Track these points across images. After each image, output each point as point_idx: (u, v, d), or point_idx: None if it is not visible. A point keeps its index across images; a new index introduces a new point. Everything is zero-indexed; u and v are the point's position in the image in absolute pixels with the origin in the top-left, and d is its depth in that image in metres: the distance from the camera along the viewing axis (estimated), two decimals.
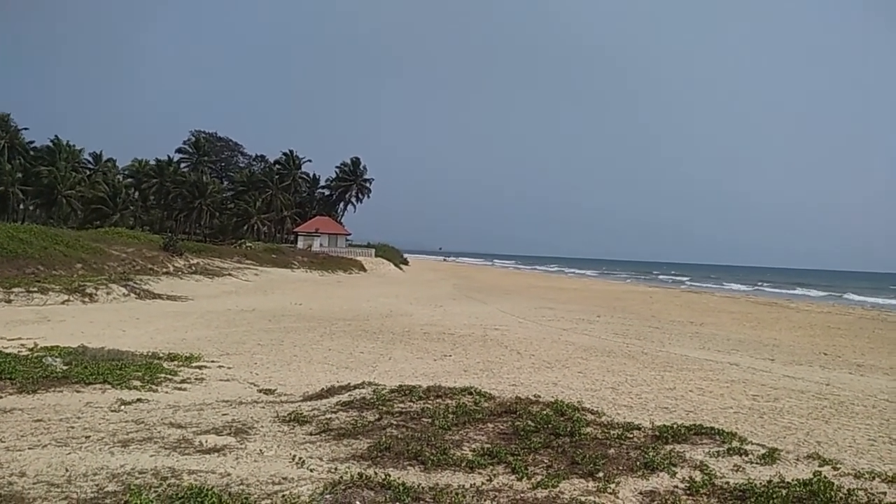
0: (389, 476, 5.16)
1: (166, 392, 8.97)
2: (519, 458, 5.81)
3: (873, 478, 5.34)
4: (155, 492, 4.61)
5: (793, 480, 5.20)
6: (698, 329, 22.98)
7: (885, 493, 4.92)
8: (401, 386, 8.69)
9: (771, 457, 5.96)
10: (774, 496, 4.76)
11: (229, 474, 5.17)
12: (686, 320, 26.54)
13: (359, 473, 5.19)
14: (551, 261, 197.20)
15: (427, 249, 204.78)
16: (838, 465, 5.76)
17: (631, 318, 26.49)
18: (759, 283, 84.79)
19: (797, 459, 5.96)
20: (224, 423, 6.95)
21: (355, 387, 8.85)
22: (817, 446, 7.33)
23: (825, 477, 5.28)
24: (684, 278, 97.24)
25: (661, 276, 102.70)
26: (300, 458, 5.68)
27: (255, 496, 4.69)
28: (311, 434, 6.60)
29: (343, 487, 4.92)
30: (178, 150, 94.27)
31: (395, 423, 6.94)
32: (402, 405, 7.69)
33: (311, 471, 5.39)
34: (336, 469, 5.42)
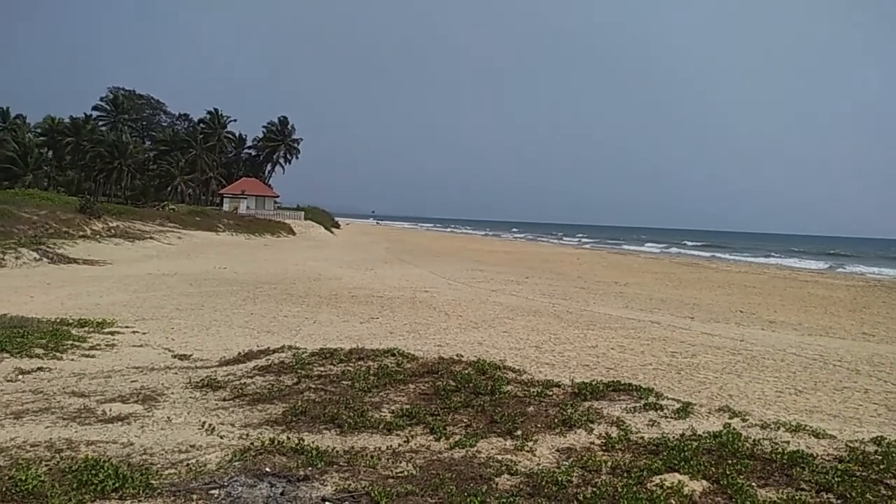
0: (303, 441, 5.01)
1: (72, 360, 8.51)
2: (438, 418, 5.74)
3: (778, 428, 5.52)
4: (46, 465, 4.32)
5: (704, 433, 5.31)
6: (622, 289, 23.52)
7: (787, 442, 5.08)
8: (322, 349, 8.51)
9: (685, 411, 6.08)
10: (686, 448, 4.83)
11: (132, 444, 4.91)
12: (611, 280, 27.14)
13: (271, 439, 5.02)
14: (488, 224, 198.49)
15: (360, 213, 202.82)
16: (747, 417, 5.93)
17: (558, 279, 26.91)
18: (683, 243, 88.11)
19: (709, 413, 6.10)
20: (132, 390, 6.62)
21: (274, 351, 8.61)
22: (729, 399, 7.56)
23: (734, 428, 5.42)
24: (612, 240, 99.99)
25: (588, 238, 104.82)
26: (210, 425, 5.45)
27: (159, 466, 4.46)
28: (224, 400, 6.36)
29: (254, 454, 4.74)
30: (95, 108, 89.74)
31: (313, 386, 6.77)
32: (321, 368, 7.51)
33: (222, 437, 5.18)
34: (248, 435, 5.23)
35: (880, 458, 4.78)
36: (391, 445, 5.09)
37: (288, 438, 5.06)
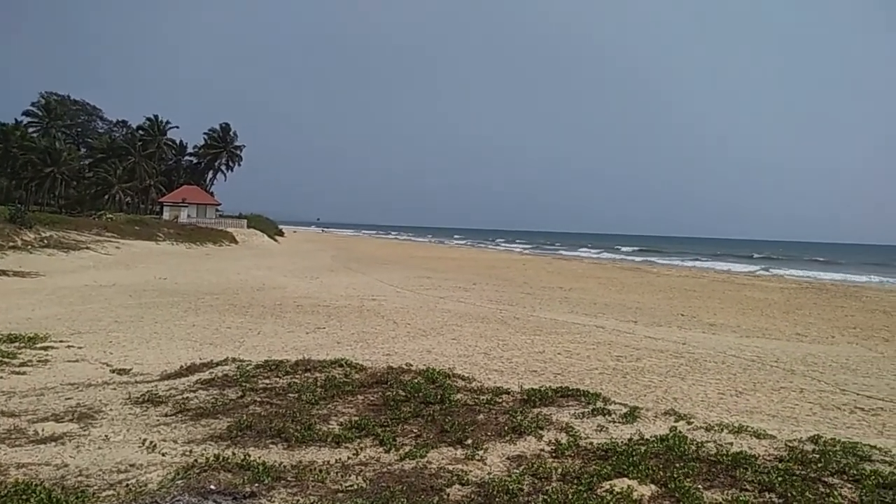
0: (249, 456, 4.88)
1: (0, 377, 8.10)
2: (388, 429, 5.68)
3: (721, 430, 5.65)
4: None
5: (651, 437, 5.40)
6: (567, 294, 23.82)
7: (731, 444, 5.21)
8: (267, 361, 8.34)
9: (632, 415, 6.17)
10: (634, 453, 4.90)
11: (66, 465, 4.70)
12: (556, 286, 27.46)
13: (215, 455, 4.87)
14: (430, 230, 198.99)
15: (304, 220, 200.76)
16: (692, 420, 6.06)
17: (505, 284, 27.08)
18: (616, 247, 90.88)
19: (656, 416, 6.21)
20: (67, 408, 6.35)
21: (218, 363, 8.39)
22: (674, 402, 7.71)
23: (680, 432, 5.53)
24: (552, 245, 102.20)
25: (543, 245, 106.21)
26: (151, 442, 5.26)
27: (95, 488, 4.27)
28: (165, 415, 6.16)
29: (197, 471, 4.59)
30: (26, 114, 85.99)
31: (258, 399, 6.62)
32: (267, 381, 7.36)
33: (163, 455, 5.00)
34: (191, 452, 5.06)
35: (818, 456, 4.94)
36: (340, 459, 5.00)
37: (233, 454, 4.93)
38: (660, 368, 10.19)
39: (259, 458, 4.87)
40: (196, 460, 4.81)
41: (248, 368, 7.89)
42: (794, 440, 5.51)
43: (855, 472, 4.59)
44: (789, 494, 4.19)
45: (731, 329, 15.96)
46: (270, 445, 5.28)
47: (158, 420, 6.00)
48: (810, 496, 4.17)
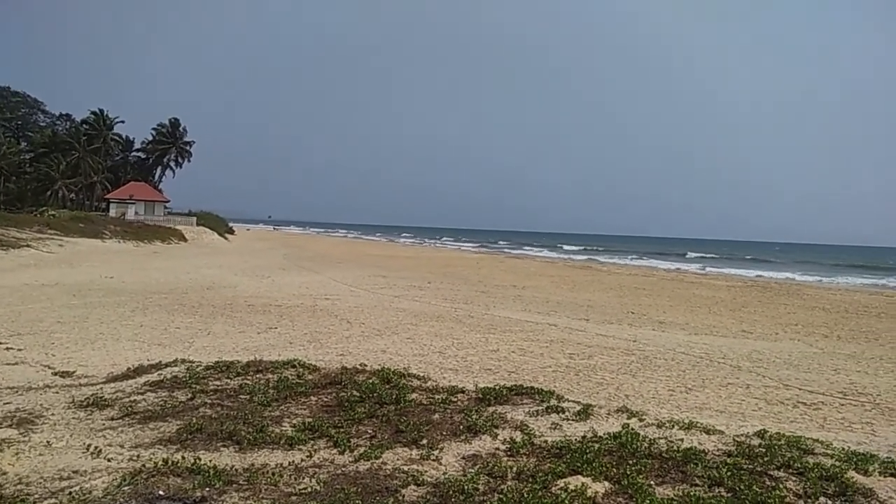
0: (199, 460, 4.76)
1: None
2: (342, 430, 5.62)
3: (672, 426, 5.76)
4: None
5: (604, 434, 5.46)
6: (521, 292, 24.02)
7: (681, 440, 5.31)
8: (218, 362, 8.18)
9: (585, 413, 6.24)
10: (588, 451, 4.95)
11: (5, 473, 4.50)
12: (510, 284, 27.67)
13: (164, 460, 4.74)
14: (381, 229, 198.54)
15: (255, 218, 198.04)
16: (643, 417, 6.15)
17: (459, 283, 27.15)
18: (559, 246, 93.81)
19: (608, 414, 6.29)
20: (5, 413, 6.09)
21: (167, 365, 8.19)
22: (626, 399, 7.83)
23: (632, 428, 5.60)
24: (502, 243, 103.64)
25: (495, 244, 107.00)
26: (96, 448, 5.09)
27: (37, 496, 4.11)
28: (111, 419, 5.97)
29: (145, 476, 4.46)
30: None
31: (209, 401, 6.47)
32: (218, 382, 7.20)
33: (109, 461, 4.85)
34: (138, 457, 4.92)
35: (764, 450, 5.07)
36: (293, 461, 4.92)
37: (183, 458, 4.80)
38: (612, 366, 10.34)
39: (210, 461, 4.76)
40: (143, 465, 4.67)
41: (198, 370, 7.72)
42: (742, 435, 5.64)
43: (799, 465, 4.72)
44: (737, 488, 4.29)
45: (680, 326, 16.30)
46: (221, 448, 5.17)
47: (104, 424, 5.81)
48: (757, 489, 4.27)
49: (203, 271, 28.21)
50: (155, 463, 4.69)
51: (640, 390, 8.66)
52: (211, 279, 24.49)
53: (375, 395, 6.62)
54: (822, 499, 4.23)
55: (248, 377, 7.45)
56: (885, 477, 4.62)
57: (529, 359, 10.67)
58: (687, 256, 77.69)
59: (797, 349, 13.28)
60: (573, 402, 6.72)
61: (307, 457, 5.03)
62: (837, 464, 4.80)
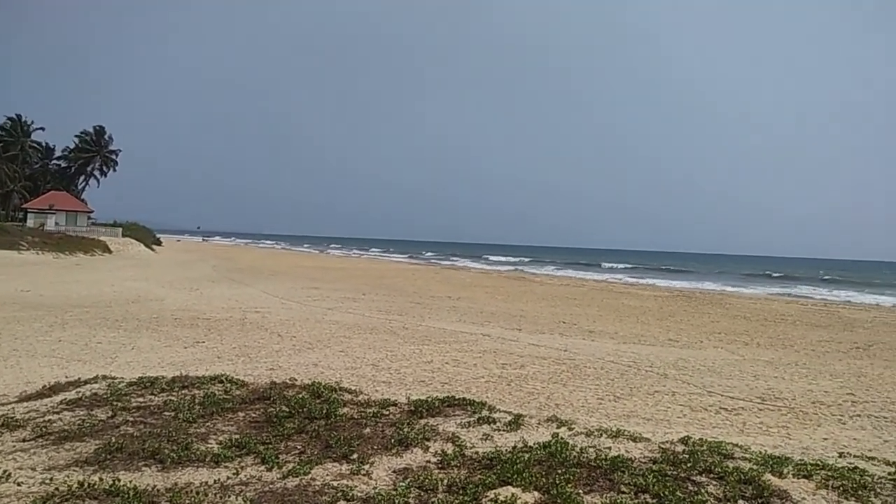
0: (119, 481, 4.56)
1: None
2: (270, 446, 5.49)
3: (601, 435, 5.86)
4: None
5: (535, 444, 5.51)
6: (455, 303, 24.12)
7: (609, 448, 5.41)
8: (142, 378, 7.88)
9: (516, 423, 6.29)
10: (518, 461, 4.98)
11: None
12: (445, 295, 27.75)
13: (80, 482, 4.52)
14: (309, 240, 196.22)
15: (184, 229, 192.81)
16: (573, 426, 6.25)
17: (395, 294, 27.06)
18: (485, 256, 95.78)
19: (539, 423, 6.36)
20: None
21: (86, 382, 7.83)
22: (556, 409, 7.95)
23: (562, 438, 5.68)
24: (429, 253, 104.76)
25: (426, 255, 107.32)
26: (6, 471, 4.81)
27: None
28: (23, 440, 5.66)
29: (58, 500, 4.25)
30: None
31: (131, 419, 6.23)
32: (141, 399, 6.94)
33: (19, 485, 4.59)
34: (52, 479, 4.68)
35: (687, 456, 5.22)
36: (219, 479, 4.78)
37: (101, 479, 4.60)
38: (543, 375, 10.48)
39: (130, 482, 4.57)
40: (57, 489, 4.45)
41: (120, 386, 7.43)
42: (667, 442, 5.80)
43: (719, 469, 4.88)
44: (662, 494, 4.40)
45: (609, 336, 16.67)
46: (143, 468, 4.97)
47: (14, 446, 5.51)
48: (681, 495, 4.39)
49: (128, 284, 27.22)
50: (69, 486, 4.47)
51: (571, 399, 8.80)
52: (136, 292, 23.66)
53: (305, 409, 6.50)
54: (740, 502, 4.38)
55: (174, 393, 7.21)
56: (798, 478, 4.82)
57: (463, 370, 10.70)
58: (602, 266, 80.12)
59: (720, 356, 13.76)
60: (505, 412, 6.77)
61: (234, 474, 4.90)
62: (755, 467, 4.98)
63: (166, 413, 6.44)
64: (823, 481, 4.79)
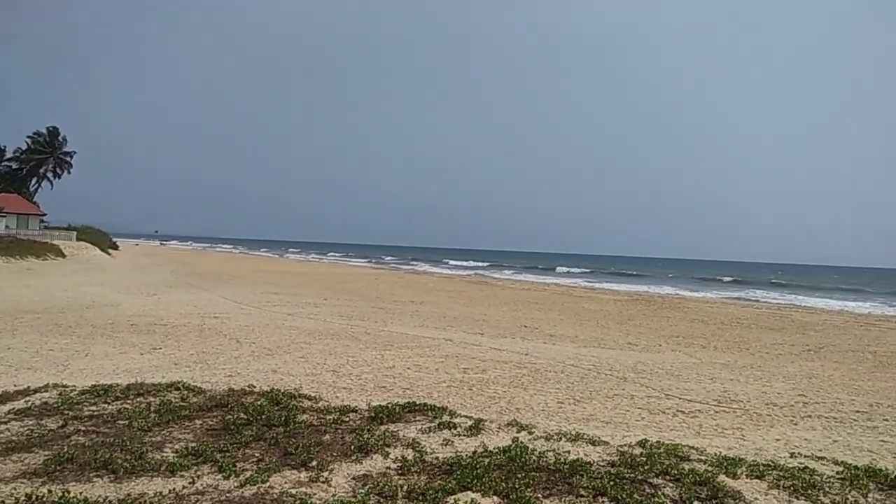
0: (68, 493, 4.44)
1: None
2: (227, 454, 5.41)
3: (560, 438, 5.92)
4: None
5: (494, 448, 5.54)
6: (418, 308, 24.08)
7: (568, 452, 5.46)
8: (95, 386, 7.70)
9: (477, 427, 6.31)
10: (478, 466, 4.99)
11: None
12: (408, 300, 27.69)
13: (27, 495, 4.39)
14: (276, 244, 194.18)
15: (142, 233, 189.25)
16: (533, 430, 6.29)
17: (357, 299, 26.90)
18: (445, 261, 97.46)
19: (499, 428, 6.39)
20: None
21: (36, 390, 7.62)
22: (517, 413, 7.98)
23: (521, 442, 5.72)
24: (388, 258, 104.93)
25: (388, 258, 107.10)
26: None
27: None
28: None
29: None
30: None
31: (83, 429, 6.07)
32: (94, 408, 6.78)
33: None
34: None
35: (644, 459, 5.29)
36: (174, 489, 4.69)
37: (50, 492, 4.47)
38: (504, 379, 10.52)
39: (80, 493, 4.46)
40: (4, 501, 4.32)
41: (71, 395, 7.24)
42: (625, 445, 5.88)
43: (676, 471, 4.97)
44: (620, 497, 4.45)
45: (569, 339, 16.82)
46: (95, 479, 4.85)
47: None
48: (638, 497, 4.45)
49: (82, 289, 26.56)
50: (16, 499, 4.34)
51: (531, 403, 8.85)
52: (91, 297, 23.09)
53: (264, 416, 6.43)
54: (695, 503, 4.46)
55: (128, 401, 7.06)
56: (751, 479, 4.93)
57: (424, 375, 10.68)
58: (557, 271, 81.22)
59: (678, 360, 13.99)
60: (465, 417, 6.78)
61: (189, 483, 4.81)
62: (710, 469, 5.08)
63: (120, 422, 6.30)
64: (775, 481, 4.90)
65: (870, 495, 4.77)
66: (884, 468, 5.50)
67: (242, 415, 6.49)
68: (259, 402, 6.97)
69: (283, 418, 6.39)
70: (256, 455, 5.48)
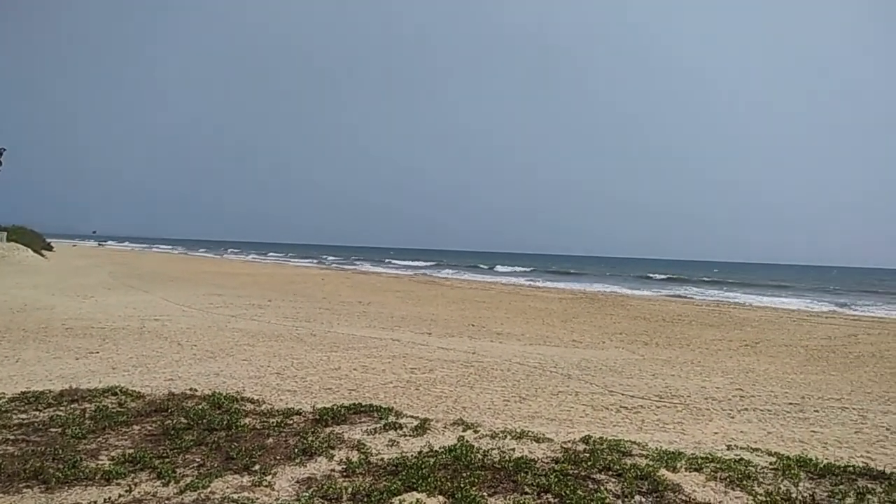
0: None
1: None
2: (167, 460, 5.27)
3: (505, 436, 5.96)
4: None
5: (440, 448, 5.54)
6: (366, 308, 23.93)
7: (513, 450, 5.51)
8: (25, 392, 7.42)
9: (423, 427, 6.31)
10: (423, 466, 4.99)
11: None
12: (355, 300, 27.49)
13: None
14: (206, 244, 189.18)
15: (79, 233, 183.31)
16: (478, 428, 6.32)
17: (303, 300, 26.56)
18: (388, 261, 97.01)
19: (445, 427, 6.40)
20: None
21: None
22: (463, 412, 8.00)
23: (467, 441, 5.74)
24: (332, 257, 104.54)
25: (330, 258, 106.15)
26: None
27: None
28: None
29: None
30: None
31: (11, 438, 5.83)
32: (23, 416, 6.52)
33: None
34: None
35: (588, 455, 5.38)
36: (110, 497, 4.54)
37: None
38: (451, 379, 10.54)
39: None
40: None
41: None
42: (569, 441, 5.96)
43: (618, 466, 5.06)
44: (563, 494, 4.51)
45: (516, 338, 16.97)
46: (24, 490, 4.66)
47: None
48: (581, 494, 4.51)
49: (13, 292, 25.48)
50: None
51: (477, 402, 8.89)
52: (23, 300, 22.18)
53: (205, 421, 6.29)
54: (637, 497, 4.55)
55: (61, 408, 6.81)
56: (690, 472, 5.06)
57: (371, 375, 10.62)
58: (497, 270, 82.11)
59: (621, 356, 14.26)
60: (412, 417, 6.77)
61: (126, 492, 4.67)
62: (651, 463, 5.19)
63: (52, 429, 6.08)
64: (713, 473, 5.04)
65: (801, 484, 4.95)
66: (814, 457, 5.73)
67: (183, 419, 6.34)
68: (200, 406, 6.83)
69: (225, 422, 6.27)
70: (197, 460, 5.36)
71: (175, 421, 6.30)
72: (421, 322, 19.75)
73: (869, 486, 5.06)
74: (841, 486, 4.97)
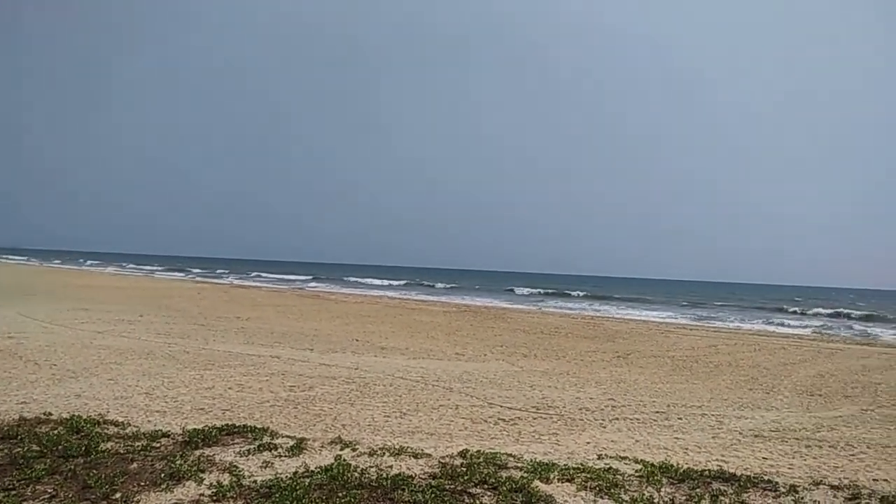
0: None
1: None
2: (14, 493, 4.85)
3: (384, 453, 5.93)
4: None
5: (316, 468, 5.44)
6: (245, 324, 23.16)
7: (391, 467, 5.49)
8: None
9: (299, 447, 6.16)
10: (298, 487, 4.88)
11: None
12: (233, 315, 26.54)
13: None
14: (77, 255, 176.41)
15: None
16: (357, 446, 6.25)
17: (176, 316, 25.34)
18: (255, 273, 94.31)
19: (322, 446, 6.28)
20: None
21: None
22: (342, 430, 7.88)
23: (344, 460, 5.66)
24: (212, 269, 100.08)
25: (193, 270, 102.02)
26: None
27: None
28: None
29: None
30: None
31: None
32: None
33: None
34: None
35: (465, 469, 5.44)
36: None
37: None
38: (331, 396, 10.37)
39: None
40: None
41: None
42: (447, 456, 6.01)
43: (494, 479, 5.15)
44: None
45: (400, 352, 16.97)
46: None
47: None
48: None
49: None
50: None
51: (357, 419, 8.79)
52: None
53: (60, 447, 5.85)
54: None
55: None
56: (562, 482, 5.24)
57: (247, 394, 10.26)
58: (370, 284, 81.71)
59: (501, 369, 14.57)
60: (288, 437, 6.61)
61: None
62: (525, 475, 5.33)
63: None
64: (583, 483, 5.24)
65: (663, 489, 5.24)
66: (675, 463, 6.08)
67: (35, 446, 5.86)
68: (56, 431, 6.34)
69: (83, 448, 5.85)
70: (49, 491, 4.96)
71: (25, 448, 5.80)
72: (302, 337, 19.34)
73: (722, 488, 5.43)
74: (697, 490, 5.30)
